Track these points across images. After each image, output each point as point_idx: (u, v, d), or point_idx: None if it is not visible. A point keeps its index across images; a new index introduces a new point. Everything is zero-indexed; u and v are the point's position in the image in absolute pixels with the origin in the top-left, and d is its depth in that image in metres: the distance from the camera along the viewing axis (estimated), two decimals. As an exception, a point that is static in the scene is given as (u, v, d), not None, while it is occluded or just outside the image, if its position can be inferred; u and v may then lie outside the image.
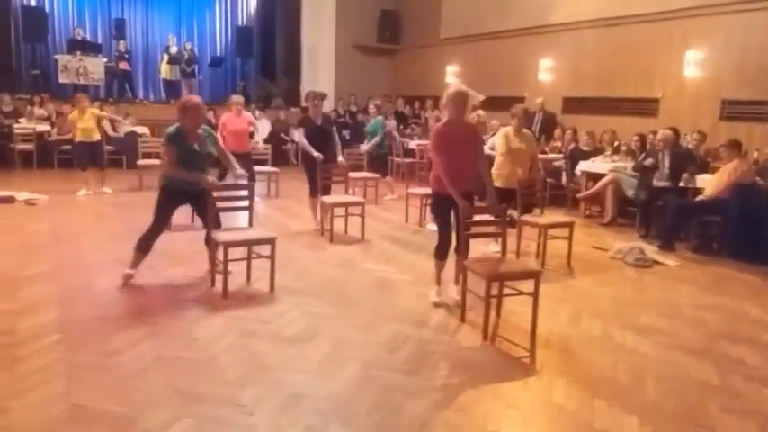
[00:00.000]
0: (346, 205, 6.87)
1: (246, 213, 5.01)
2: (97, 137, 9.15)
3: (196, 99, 4.91)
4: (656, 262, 6.27)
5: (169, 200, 4.90)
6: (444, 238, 4.68)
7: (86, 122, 8.94)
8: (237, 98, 8.89)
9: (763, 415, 3.23)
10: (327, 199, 6.75)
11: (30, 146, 11.08)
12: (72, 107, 9.44)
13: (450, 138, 4.52)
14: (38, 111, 11.79)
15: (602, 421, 3.07)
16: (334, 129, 7.40)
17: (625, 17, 9.87)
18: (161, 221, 4.90)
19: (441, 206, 4.70)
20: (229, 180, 5.04)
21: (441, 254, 4.72)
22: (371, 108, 10.64)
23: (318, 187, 6.89)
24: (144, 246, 4.86)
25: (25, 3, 14.22)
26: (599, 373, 3.65)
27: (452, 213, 4.65)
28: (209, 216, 4.80)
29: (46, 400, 3.03)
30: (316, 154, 6.80)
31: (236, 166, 5.09)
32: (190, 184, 4.77)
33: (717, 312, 4.85)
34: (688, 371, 3.73)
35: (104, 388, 3.17)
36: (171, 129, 4.80)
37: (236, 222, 5.40)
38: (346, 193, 7.23)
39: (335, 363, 3.60)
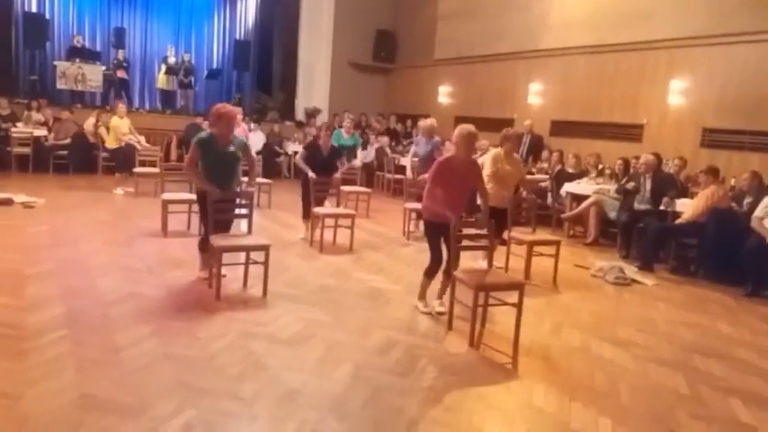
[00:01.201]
0: (337, 217, 7.09)
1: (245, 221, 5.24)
2: None
3: (230, 108, 5.23)
4: (635, 281, 6.55)
5: (204, 203, 5.11)
6: (435, 260, 4.92)
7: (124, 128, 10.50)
8: (236, 109, 9.28)
9: (726, 421, 3.48)
10: (319, 210, 6.97)
11: (26, 150, 11.22)
12: (111, 113, 11.02)
13: (452, 171, 4.80)
14: (35, 115, 11.92)
15: (579, 422, 3.30)
16: (344, 157, 7.63)
17: (613, 45, 10.25)
18: (206, 223, 5.15)
19: (432, 231, 4.95)
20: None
21: (431, 273, 4.96)
22: (347, 123, 10.96)
23: (310, 209, 7.08)
24: (205, 246, 5.20)
25: (26, 9, 14.40)
26: (577, 380, 3.88)
27: (443, 238, 4.90)
28: (208, 221, 5.00)
29: (57, 389, 3.21)
30: (310, 174, 7.05)
31: (255, 182, 5.51)
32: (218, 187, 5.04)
33: (691, 329, 5.12)
34: (661, 380, 3.98)
35: (112, 380, 3.35)
36: (203, 134, 5.15)
37: (235, 229, 5.61)
38: (338, 206, 7.46)
39: (329, 363, 3.81)
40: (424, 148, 8.33)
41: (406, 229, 7.92)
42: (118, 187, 9.91)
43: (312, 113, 14.97)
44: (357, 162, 10.22)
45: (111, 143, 10.54)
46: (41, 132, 11.55)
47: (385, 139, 13.23)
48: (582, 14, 10.84)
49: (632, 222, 7.68)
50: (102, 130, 11.37)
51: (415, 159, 8.57)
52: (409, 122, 14.49)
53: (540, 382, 3.78)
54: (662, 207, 7.58)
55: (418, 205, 7.47)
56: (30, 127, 11.53)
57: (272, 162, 13.27)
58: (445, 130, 13.35)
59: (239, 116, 9.15)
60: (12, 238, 6.37)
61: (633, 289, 6.33)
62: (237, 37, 17.07)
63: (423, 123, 8.60)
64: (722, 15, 8.75)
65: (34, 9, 14.64)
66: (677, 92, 9.43)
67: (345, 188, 8.64)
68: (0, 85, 12.77)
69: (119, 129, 10.46)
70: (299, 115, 15.54)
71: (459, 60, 13.76)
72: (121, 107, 10.87)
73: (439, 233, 4.87)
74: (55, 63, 13.74)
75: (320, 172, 7.13)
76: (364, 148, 13.06)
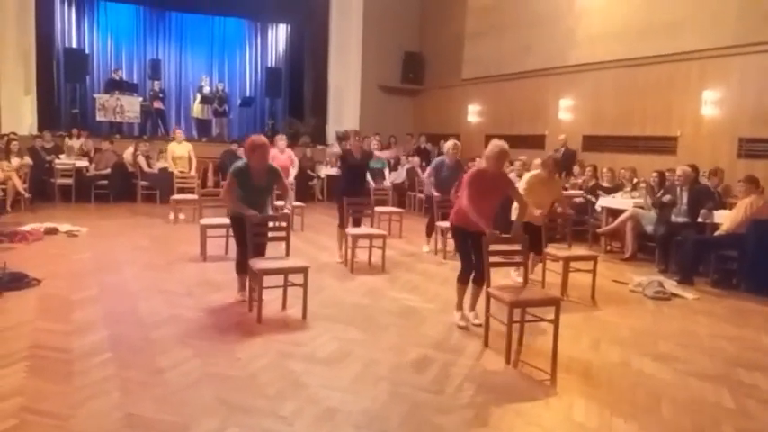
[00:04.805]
0: (370, 237, 7.15)
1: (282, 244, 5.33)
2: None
3: (263, 139, 5.30)
4: (675, 295, 6.43)
5: (238, 226, 5.27)
6: (466, 264, 5.01)
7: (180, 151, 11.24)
8: (281, 137, 10.07)
9: (776, 435, 3.40)
10: (352, 231, 7.04)
11: (69, 180, 11.59)
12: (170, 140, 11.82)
13: (485, 182, 4.87)
14: (76, 142, 12.33)
15: (620, 438, 3.27)
16: (369, 163, 7.70)
17: (643, 58, 10.18)
18: (241, 245, 5.31)
19: (461, 237, 5.04)
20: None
21: (463, 278, 5.04)
22: (374, 145, 11.09)
23: (347, 220, 7.19)
24: (242, 268, 5.37)
25: (67, 45, 15.00)
26: (617, 395, 3.83)
27: (472, 244, 4.95)
28: (248, 244, 5.10)
29: (103, 409, 3.30)
30: (345, 203, 7.10)
31: (291, 205, 5.58)
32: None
33: (734, 342, 5.01)
34: (704, 395, 3.90)
35: (156, 400, 3.44)
36: (239, 163, 5.27)
37: (272, 252, 5.69)
38: (371, 226, 7.52)
39: (367, 381, 3.84)
40: (448, 172, 7.98)
41: (439, 247, 7.93)
42: (180, 213, 9.92)
43: (343, 137, 15.15)
44: (387, 183, 10.29)
45: (172, 167, 11.13)
46: (83, 163, 11.94)
47: (416, 160, 13.30)
48: (609, 28, 10.82)
49: (670, 236, 7.56)
50: (141, 159, 11.77)
51: (431, 179, 8.16)
52: (442, 142, 14.54)
53: (580, 397, 3.75)
54: (700, 219, 7.45)
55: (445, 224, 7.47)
56: (72, 158, 11.92)
57: (305, 185, 13.44)
58: (475, 149, 13.41)
59: (283, 143, 9.65)
60: (58, 266, 6.57)
61: (673, 303, 6.22)
62: (269, 65, 17.48)
63: (452, 145, 8.03)
64: (755, 24, 8.65)
65: (74, 45, 15.25)
66: (711, 102, 9.31)
67: (378, 209, 8.71)
68: (43, 119, 13.31)
69: (173, 153, 11.21)
70: (331, 139, 15.74)
71: (488, 79, 13.82)
72: (179, 133, 11.80)
73: (467, 239, 4.93)
74: (95, 96, 14.25)
75: (353, 176, 7.23)
76: (395, 168, 13.16)
